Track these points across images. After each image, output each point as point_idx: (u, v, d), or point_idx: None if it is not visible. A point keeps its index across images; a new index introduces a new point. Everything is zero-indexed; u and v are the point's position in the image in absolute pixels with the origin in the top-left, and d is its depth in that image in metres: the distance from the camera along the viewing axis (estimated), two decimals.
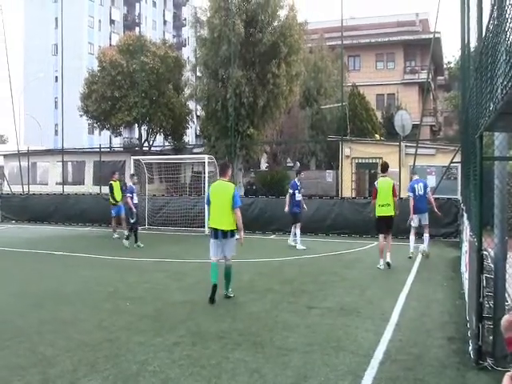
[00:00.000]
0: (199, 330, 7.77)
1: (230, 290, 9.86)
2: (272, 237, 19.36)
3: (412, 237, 14.78)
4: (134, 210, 17.01)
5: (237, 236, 9.78)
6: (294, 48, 27.02)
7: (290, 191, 17.08)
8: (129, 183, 17.95)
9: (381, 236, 13.28)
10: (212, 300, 9.37)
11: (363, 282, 11.41)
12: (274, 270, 13.01)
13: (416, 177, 15.24)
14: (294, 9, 27.56)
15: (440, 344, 7.11)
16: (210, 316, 8.54)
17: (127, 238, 17.15)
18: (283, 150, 39.14)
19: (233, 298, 9.76)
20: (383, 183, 13.38)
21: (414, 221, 14.68)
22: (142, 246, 16.85)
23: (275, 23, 27.46)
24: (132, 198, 17.01)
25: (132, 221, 17.20)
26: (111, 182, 19.52)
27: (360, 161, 27.74)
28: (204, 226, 20.25)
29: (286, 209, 17.10)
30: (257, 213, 20.81)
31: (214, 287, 9.47)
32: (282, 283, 11.19)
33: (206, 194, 10.62)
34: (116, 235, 19.25)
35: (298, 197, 17.02)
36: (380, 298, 9.84)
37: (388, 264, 12.96)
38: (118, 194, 19.51)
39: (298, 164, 37.79)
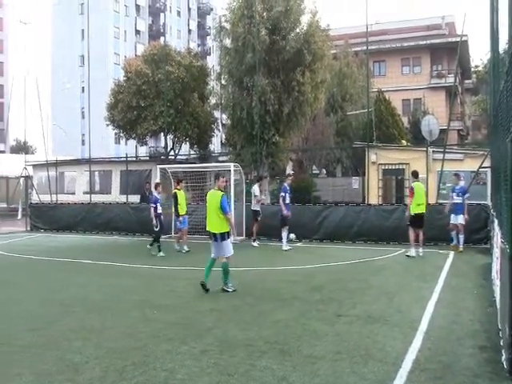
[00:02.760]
0: (226, 337, 7.73)
1: (229, 285, 10.98)
2: (298, 244, 19.26)
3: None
4: (154, 221, 17.13)
5: (232, 238, 11.22)
6: (318, 55, 26.91)
7: (282, 194, 18.11)
8: (154, 193, 18.00)
9: (414, 229, 15.61)
10: (204, 289, 10.88)
11: (391, 289, 11.26)
12: (301, 277, 12.91)
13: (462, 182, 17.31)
14: (316, 15, 27.50)
15: (471, 353, 6.96)
16: (237, 324, 8.49)
17: (152, 245, 17.23)
18: (309, 157, 39.01)
19: (257, 305, 9.69)
20: (419, 186, 15.89)
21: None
22: (163, 255, 16.85)
23: (298, 30, 27.41)
24: (156, 208, 17.09)
25: (156, 229, 17.26)
26: (175, 190, 17.83)
27: (386, 167, 27.54)
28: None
29: (285, 212, 17.94)
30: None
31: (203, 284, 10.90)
32: (310, 291, 11.10)
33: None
34: (178, 247, 18.05)
35: (287, 200, 18.01)
36: (408, 305, 9.70)
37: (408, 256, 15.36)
38: (182, 204, 17.77)
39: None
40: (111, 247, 20.42)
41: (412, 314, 8.98)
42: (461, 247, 16.70)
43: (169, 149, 34.40)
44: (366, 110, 27.90)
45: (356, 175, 38.62)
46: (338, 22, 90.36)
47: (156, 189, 17.97)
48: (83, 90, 68.24)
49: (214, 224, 10.93)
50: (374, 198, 25.64)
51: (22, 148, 56.83)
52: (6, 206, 31.40)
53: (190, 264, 14.72)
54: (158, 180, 21.39)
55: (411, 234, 15.70)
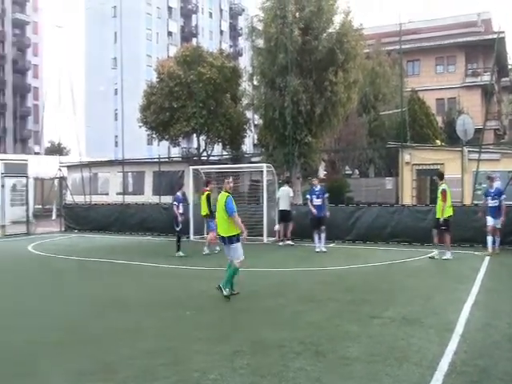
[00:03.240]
0: (259, 338, 7.70)
1: (227, 289, 10.36)
2: (331, 245, 19.15)
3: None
4: (180, 218, 17.22)
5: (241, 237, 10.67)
6: (351, 54, 26.71)
7: (308, 197, 18.41)
8: (178, 193, 18.09)
9: (446, 233, 15.30)
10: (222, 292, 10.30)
11: (426, 291, 11.11)
12: (334, 278, 12.84)
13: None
14: (349, 15, 27.32)
15: (508, 357, 6.82)
16: (269, 324, 8.46)
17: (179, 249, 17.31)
18: (341, 157, 38.82)
19: (290, 306, 9.65)
20: (448, 188, 15.51)
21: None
22: (182, 255, 16.88)
23: (331, 30, 27.26)
24: (178, 207, 17.19)
25: (177, 229, 17.35)
26: (208, 192, 17.52)
27: (420, 167, 27.24)
28: (263, 235, 20.26)
29: (314, 211, 17.80)
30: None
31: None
32: (343, 292, 11.02)
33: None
34: (208, 250, 17.56)
35: (315, 202, 17.88)
36: (444, 307, 9.56)
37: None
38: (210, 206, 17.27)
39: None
40: (145, 248, 20.57)
41: (448, 316, 8.84)
42: (497, 249, 16.32)
43: (201, 150, 34.53)
44: (400, 110, 27.64)
45: (389, 176, 38.29)
46: (371, 22, 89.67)
47: (180, 189, 18.27)
48: (116, 92, 68.95)
49: (222, 227, 10.65)
50: (408, 198, 25.37)
51: (56, 150, 57.68)
52: (40, 206, 31.80)
53: (223, 265, 14.60)
54: (190, 180, 21.47)
55: (447, 236, 15.32)
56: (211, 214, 17.04)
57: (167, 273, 14.13)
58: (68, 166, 33.02)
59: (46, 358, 7.04)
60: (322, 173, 38.83)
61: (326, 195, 17.90)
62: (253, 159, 34.75)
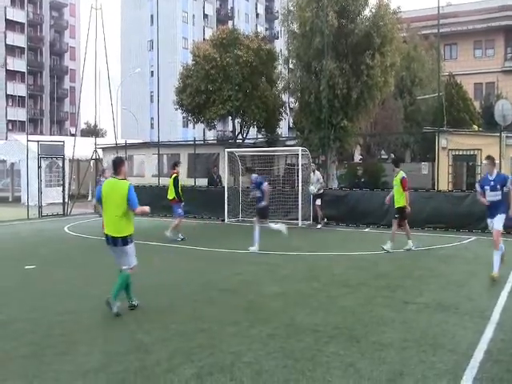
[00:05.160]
0: (292, 322, 7.75)
1: (117, 303, 8.22)
2: (366, 230, 19.08)
3: None
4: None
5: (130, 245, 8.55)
6: (387, 38, 26.40)
7: None
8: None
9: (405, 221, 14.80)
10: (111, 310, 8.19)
11: (461, 277, 11.03)
12: (368, 263, 12.80)
13: None
14: None
15: None
16: (303, 309, 8.50)
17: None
18: (377, 142, 38.50)
19: (324, 290, 9.68)
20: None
21: None
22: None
23: (366, 12, 26.95)
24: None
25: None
26: (175, 174, 17.09)
27: (457, 153, 26.88)
28: (298, 219, 20.28)
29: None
30: (352, 205, 20.53)
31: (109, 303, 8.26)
32: (377, 277, 11.00)
33: (98, 190, 9.61)
34: (171, 234, 16.91)
35: None
36: (479, 294, 9.48)
37: None
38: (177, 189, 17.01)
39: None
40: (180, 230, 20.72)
41: (483, 304, 8.77)
42: None
43: (236, 133, 34.57)
44: (437, 95, 27.25)
45: (425, 161, 37.88)
46: (408, 5, 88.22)
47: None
48: (152, 75, 69.39)
49: (115, 225, 8.32)
50: (444, 184, 25.05)
51: (92, 131, 58.35)
52: (76, 188, 32.26)
53: (259, 247, 14.71)
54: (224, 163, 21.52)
55: (403, 225, 14.77)
56: (179, 199, 16.98)
57: (200, 255, 14.21)
58: (104, 148, 33.37)
59: (79, 339, 7.19)
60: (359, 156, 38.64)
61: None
62: (288, 143, 34.67)
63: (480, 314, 8.11)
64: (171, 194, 17.03)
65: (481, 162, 25.92)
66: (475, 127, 34.78)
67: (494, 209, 11.14)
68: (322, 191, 20.25)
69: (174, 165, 17.60)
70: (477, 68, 51.58)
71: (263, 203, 14.67)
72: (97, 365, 6.18)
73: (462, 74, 45.91)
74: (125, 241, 8.38)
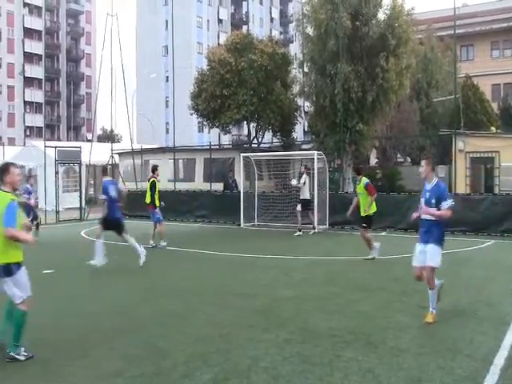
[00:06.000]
0: (309, 326, 7.71)
1: (22, 349, 6.52)
2: (383, 233, 18.98)
3: None
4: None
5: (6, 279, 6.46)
6: (402, 39, 26.30)
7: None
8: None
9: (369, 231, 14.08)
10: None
11: (479, 281, 10.91)
12: (384, 267, 12.74)
13: None
14: None
15: None
16: (320, 313, 8.46)
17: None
18: (393, 145, 38.30)
19: (341, 295, 9.61)
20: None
21: None
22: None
23: (380, 14, 26.90)
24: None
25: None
26: (153, 179, 17.05)
27: (475, 155, 26.68)
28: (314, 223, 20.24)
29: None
30: None
31: None
32: (393, 281, 10.92)
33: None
34: (154, 243, 16.74)
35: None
36: (499, 299, 9.36)
37: None
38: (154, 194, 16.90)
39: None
40: (196, 235, 20.77)
41: (503, 309, 8.66)
42: None
43: (252, 137, 34.57)
44: (453, 97, 27.05)
45: (442, 163, 37.63)
46: (423, 7, 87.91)
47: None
48: (167, 80, 69.48)
49: None
50: (462, 187, 24.87)
51: (108, 137, 58.66)
52: (93, 192, 32.37)
53: (272, 252, 14.70)
54: (239, 168, 21.38)
55: (368, 234, 13.97)
56: (154, 204, 16.69)
57: (216, 259, 14.21)
58: (120, 153, 33.47)
59: (99, 343, 7.21)
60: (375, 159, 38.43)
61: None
62: (303, 146, 34.62)
63: (499, 320, 7.98)
64: (148, 198, 16.87)
65: (499, 165, 25.74)
66: (493, 129, 34.48)
67: (425, 232, 8.06)
68: (308, 197, 19.59)
69: (153, 169, 17.46)
70: (494, 69, 51.06)
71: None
72: (114, 369, 6.19)
73: (479, 75, 45.52)
74: (6, 269, 6.41)
